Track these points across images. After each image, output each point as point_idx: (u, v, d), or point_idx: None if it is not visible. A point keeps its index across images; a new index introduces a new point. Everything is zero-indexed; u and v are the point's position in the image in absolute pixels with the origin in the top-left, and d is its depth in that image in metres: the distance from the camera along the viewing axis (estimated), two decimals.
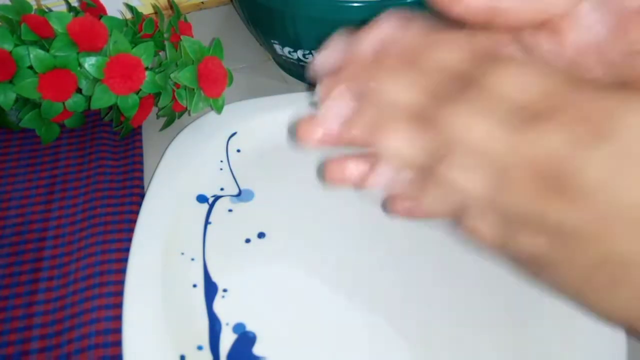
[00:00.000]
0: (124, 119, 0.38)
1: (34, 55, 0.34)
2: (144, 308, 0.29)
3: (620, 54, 0.19)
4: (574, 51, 0.20)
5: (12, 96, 0.35)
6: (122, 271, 0.31)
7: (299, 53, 0.42)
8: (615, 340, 0.28)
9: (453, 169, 0.18)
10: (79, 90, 0.36)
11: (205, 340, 0.29)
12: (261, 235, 0.34)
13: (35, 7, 0.37)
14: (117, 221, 0.34)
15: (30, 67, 0.34)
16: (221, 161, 0.38)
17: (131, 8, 0.41)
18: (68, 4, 0.41)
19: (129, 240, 0.32)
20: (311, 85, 0.25)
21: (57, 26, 0.34)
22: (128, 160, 0.38)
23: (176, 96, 0.37)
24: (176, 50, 0.37)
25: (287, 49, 0.42)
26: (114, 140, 0.39)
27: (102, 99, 0.35)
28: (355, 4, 0.37)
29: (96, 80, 0.35)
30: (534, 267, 0.18)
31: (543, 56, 0.20)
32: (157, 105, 0.38)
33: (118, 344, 0.28)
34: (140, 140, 0.39)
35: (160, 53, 0.39)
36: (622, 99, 0.15)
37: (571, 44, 0.19)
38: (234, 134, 0.39)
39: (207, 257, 0.32)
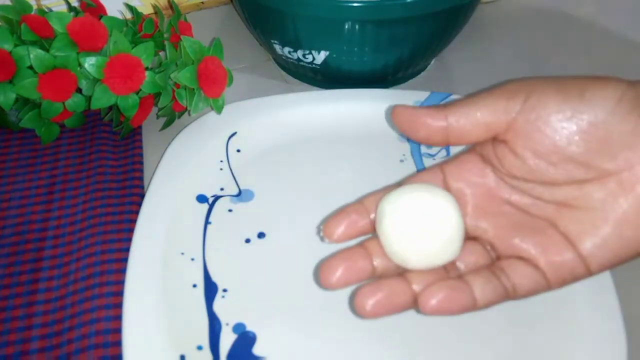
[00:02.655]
0: (124, 119, 0.38)
1: (34, 55, 0.34)
2: (144, 308, 0.29)
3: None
4: (532, 155, 0.23)
5: (12, 96, 0.35)
6: (122, 271, 0.31)
7: (299, 53, 0.42)
8: (615, 340, 0.28)
9: None
10: (79, 90, 0.36)
11: (205, 340, 0.29)
12: (261, 235, 0.34)
13: (35, 7, 0.37)
14: (117, 221, 0.34)
15: (30, 67, 0.34)
16: (221, 161, 0.38)
17: (131, 8, 0.41)
18: (68, 4, 0.41)
19: (129, 240, 0.32)
20: None
21: (57, 26, 0.34)
22: (128, 160, 0.38)
23: (176, 96, 0.37)
24: (176, 50, 0.37)
25: (287, 49, 0.42)
26: (114, 140, 0.39)
27: (102, 99, 0.35)
28: (355, 4, 0.37)
29: (96, 80, 0.35)
30: None
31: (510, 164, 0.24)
32: (157, 105, 0.38)
33: (118, 344, 0.28)
34: (140, 140, 0.39)
35: (160, 53, 0.39)
36: None
37: (523, 152, 0.23)
38: (234, 134, 0.39)
39: (207, 257, 0.32)
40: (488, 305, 0.23)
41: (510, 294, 0.23)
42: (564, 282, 0.23)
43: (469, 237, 0.25)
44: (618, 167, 0.21)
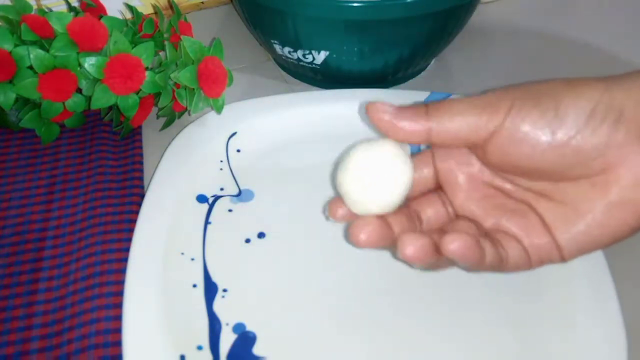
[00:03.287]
0: (124, 119, 0.38)
1: (34, 55, 0.34)
2: (144, 308, 0.29)
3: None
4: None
5: (12, 96, 0.35)
6: (122, 271, 0.31)
7: (299, 53, 0.42)
8: (615, 340, 0.28)
9: None
10: (79, 90, 0.36)
11: (205, 340, 0.29)
12: (261, 235, 0.34)
13: (35, 7, 0.38)
14: (117, 221, 0.34)
15: (30, 67, 0.34)
16: (221, 161, 0.38)
17: (131, 8, 0.41)
18: (68, 4, 0.41)
19: (129, 240, 0.32)
20: None
21: (57, 26, 0.34)
22: (128, 160, 0.38)
23: (176, 96, 0.37)
24: (176, 50, 0.37)
25: (287, 49, 0.42)
26: (114, 140, 0.39)
27: (102, 99, 0.35)
28: (355, 4, 0.37)
29: (96, 80, 0.35)
30: None
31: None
32: (157, 105, 0.38)
33: (118, 344, 0.28)
34: (140, 140, 0.39)
35: (160, 53, 0.39)
36: None
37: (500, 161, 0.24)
38: (234, 134, 0.39)
39: (207, 257, 0.32)
40: (490, 266, 0.24)
41: (503, 264, 0.25)
42: (541, 264, 0.25)
43: (457, 215, 0.27)
44: (592, 172, 0.23)
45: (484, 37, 0.51)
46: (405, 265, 0.32)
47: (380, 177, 0.25)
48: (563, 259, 0.24)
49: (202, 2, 0.55)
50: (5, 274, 0.31)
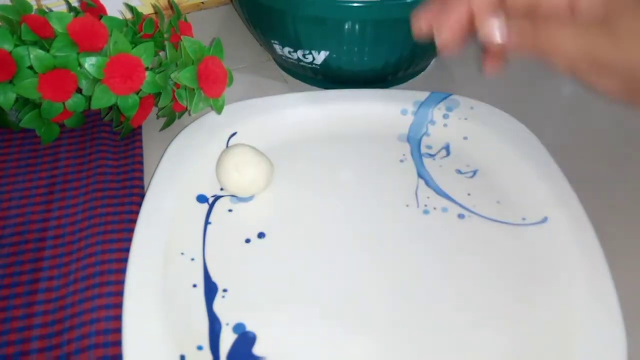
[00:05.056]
0: (124, 119, 0.38)
1: (34, 55, 0.34)
2: (144, 308, 0.29)
3: None
4: None
5: (12, 96, 0.35)
6: (122, 271, 0.31)
7: (299, 53, 0.42)
8: (615, 340, 0.28)
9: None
10: (79, 90, 0.36)
11: (205, 340, 0.29)
12: (261, 235, 0.34)
13: (35, 7, 0.37)
14: (117, 221, 0.34)
15: (30, 67, 0.34)
16: None
17: (131, 8, 0.41)
18: (68, 4, 0.41)
19: (129, 240, 0.32)
20: None
21: (57, 26, 0.34)
22: (128, 160, 0.38)
23: (176, 96, 0.37)
24: (176, 50, 0.37)
25: (287, 49, 0.42)
26: (114, 140, 0.39)
27: (102, 99, 0.35)
28: (355, 4, 0.37)
29: (96, 80, 0.35)
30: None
31: None
32: (157, 105, 0.38)
33: (118, 344, 0.28)
34: (140, 140, 0.39)
35: (160, 53, 0.39)
36: None
37: None
38: (234, 134, 0.39)
39: (207, 257, 0.32)
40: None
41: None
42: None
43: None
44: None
45: None
46: (408, 266, 0.32)
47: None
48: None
49: (202, 2, 0.55)
50: (5, 274, 0.31)
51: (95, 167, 0.37)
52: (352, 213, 0.35)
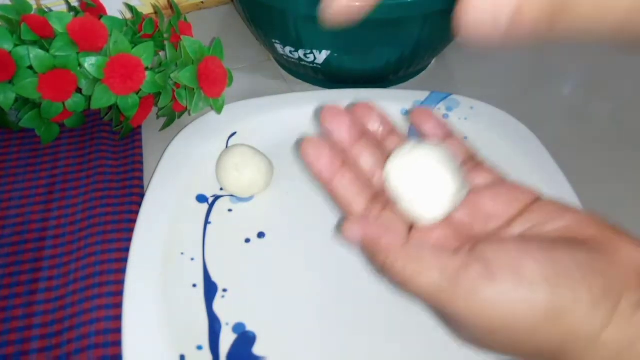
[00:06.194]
0: (124, 119, 0.38)
1: (34, 55, 0.34)
2: (144, 308, 0.29)
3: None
4: None
5: (12, 96, 0.35)
6: (122, 271, 0.31)
7: (300, 52, 0.42)
8: None
9: None
10: (79, 90, 0.36)
11: (205, 340, 0.29)
12: (261, 235, 0.34)
13: (35, 7, 0.37)
14: (117, 221, 0.34)
15: (30, 67, 0.34)
16: None
17: (131, 8, 0.41)
18: (68, 4, 0.41)
19: (129, 240, 0.32)
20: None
21: (57, 26, 0.34)
22: (128, 160, 0.38)
23: (176, 96, 0.37)
24: (176, 50, 0.37)
25: (288, 49, 0.42)
26: (114, 140, 0.39)
27: (102, 99, 0.35)
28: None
29: (96, 80, 0.35)
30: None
31: None
32: (157, 105, 0.38)
33: (118, 344, 0.28)
34: (140, 140, 0.39)
35: (160, 53, 0.39)
36: None
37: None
38: (234, 134, 0.39)
39: (207, 257, 0.32)
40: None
41: None
42: None
43: None
44: None
45: None
46: None
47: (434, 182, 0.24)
48: None
49: (202, 2, 0.55)
50: (5, 274, 0.31)
51: (95, 167, 0.37)
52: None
